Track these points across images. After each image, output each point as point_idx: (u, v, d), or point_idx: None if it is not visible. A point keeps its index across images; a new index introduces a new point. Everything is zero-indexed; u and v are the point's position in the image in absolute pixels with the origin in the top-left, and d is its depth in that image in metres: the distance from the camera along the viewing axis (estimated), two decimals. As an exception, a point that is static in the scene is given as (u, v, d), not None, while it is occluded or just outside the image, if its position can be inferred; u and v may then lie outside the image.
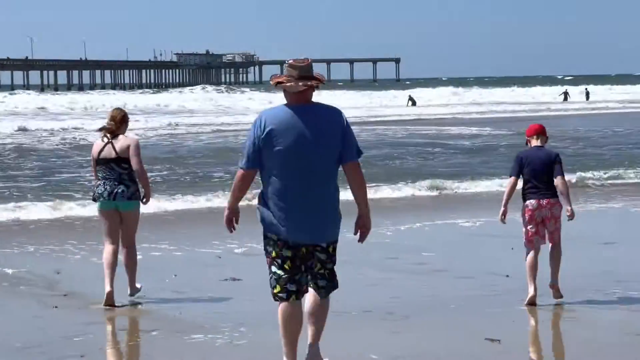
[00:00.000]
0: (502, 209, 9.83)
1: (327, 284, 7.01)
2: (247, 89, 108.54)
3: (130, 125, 11.02)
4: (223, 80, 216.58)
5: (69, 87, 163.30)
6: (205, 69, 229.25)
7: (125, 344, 8.75)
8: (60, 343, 8.58)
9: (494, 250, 13.38)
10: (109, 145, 10.30)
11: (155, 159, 29.11)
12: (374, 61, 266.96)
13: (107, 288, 10.10)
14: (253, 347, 8.33)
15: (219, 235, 14.91)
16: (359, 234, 7.00)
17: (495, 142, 36.25)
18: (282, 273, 6.95)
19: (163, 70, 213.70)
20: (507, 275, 11.22)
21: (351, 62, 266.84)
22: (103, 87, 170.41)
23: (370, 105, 78.48)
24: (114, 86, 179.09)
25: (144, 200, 10.44)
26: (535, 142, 9.94)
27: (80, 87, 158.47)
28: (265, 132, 6.73)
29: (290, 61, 6.84)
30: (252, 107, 71.79)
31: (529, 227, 9.82)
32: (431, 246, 13.77)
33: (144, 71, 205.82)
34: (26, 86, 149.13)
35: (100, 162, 10.30)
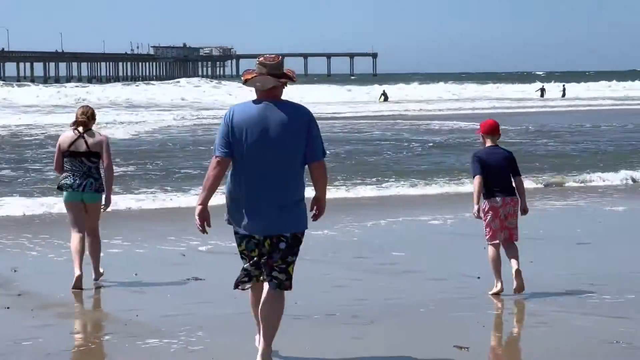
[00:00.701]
0: (476, 206, 9.96)
1: (284, 277, 7.08)
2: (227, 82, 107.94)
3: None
4: (200, 73, 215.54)
5: (45, 79, 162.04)
6: (182, 62, 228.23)
7: (77, 349, 8.32)
8: (7, 348, 8.15)
9: (464, 250, 13.04)
10: (81, 139, 10.64)
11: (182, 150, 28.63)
12: (351, 56, 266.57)
13: (77, 272, 10.49)
14: (209, 353, 7.92)
15: (184, 231, 14.61)
16: (315, 209, 7.15)
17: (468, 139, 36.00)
18: (249, 266, 7.16)
19: (140, 63, 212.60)
20: (479, 277, 10.86)
21: (328, 56, 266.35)
22: (79, 79, 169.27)
23: (342, 101, 77.92)
24: (90, 79, 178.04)
25: (105, 199, 10.80)
26: (489, 142, 10.09)
27: (57, 80, 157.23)
28: (232, 126, 6.90)
29: (260, 59, 6.98)
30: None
31: (492, 225, 10.01)
32: (400, 245, 13.40)
33: (120, 64, 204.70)
34: (2, 78, 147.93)
35: (70, 154, 10.64)
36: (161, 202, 18.46)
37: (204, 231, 7.13)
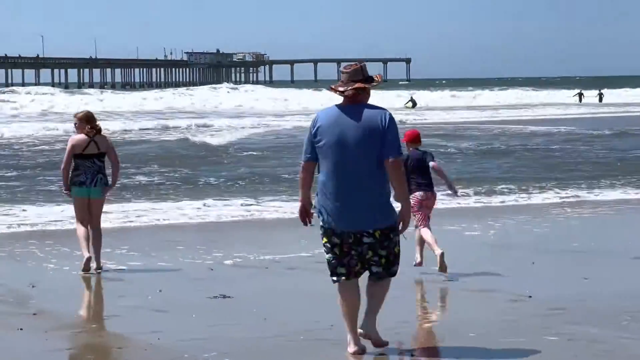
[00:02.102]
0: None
1: (381, 271, 7.56)
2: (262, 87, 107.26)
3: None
4: (233, 79, 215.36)
5: (79, 85, 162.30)
6: (215, 68, 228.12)
7: (91, 378, 7.58)
8: (15, 377, 7.42)
9: (509, 264, 12.19)
10: (92, 142, 11.81)
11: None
12: (385, 61, 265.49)
13: (86, 254, 11.66)
14: (236, 384, 7.14)
15: (209, 244, 13.93)
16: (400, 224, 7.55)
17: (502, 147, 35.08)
18: (331, 257, 7.59)
19: (173, 69, 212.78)
20: (530, 296, 10.01)
21: (361, 62, 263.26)
22: (113, 85, 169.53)
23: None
24: (124, 85, 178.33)
25: (111, 185, 12.14)
26: (413, 147, 11.78)
27: (91, 86, 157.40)
28: (315, 129, 7.50)
29: (342, 68, 7.63)
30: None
31: (419, 213, 11.57)
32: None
33: (154, 70, 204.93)
34: (37, 84, 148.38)
35: (84, 156, 11.78)
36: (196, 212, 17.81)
37: (306, 224, 7.71)
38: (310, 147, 7.56)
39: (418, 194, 11.59)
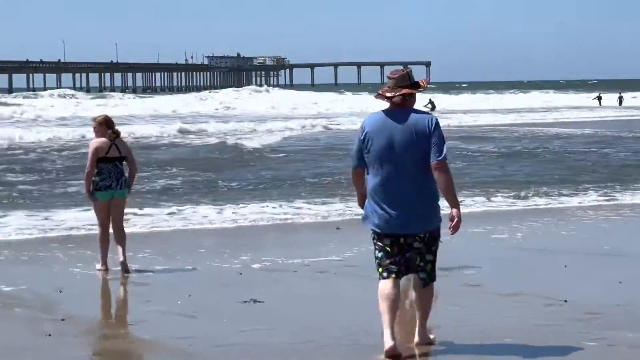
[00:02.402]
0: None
1: (427, 277, 7.79)
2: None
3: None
4: (254, 83, 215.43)
5: (100, 89, 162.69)
6: (236, 72, 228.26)
7: (122, 386, 7.45)
8: (45, 384, 7.30)
9: (543, 269, 12.00)
10: (114, 146, 12.12)
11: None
12: (405, 64, 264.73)
13: (102, 267, 12.14)
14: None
15: (236, 248, 13.81)
16: (450, 226, 7.64)
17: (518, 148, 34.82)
18: (382, 255, 7.73)
19: (194, 73, 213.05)
20: (565, 300, 9.82)
21: (382, 65, 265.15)
22: (134, 90, 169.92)
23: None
24: (145, 89, 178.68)
25: (129, 189, 12.41)
26: None
27: (112, 90, 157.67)
28: (363, 135, 7.67)
29: (388, 73, 7.79)
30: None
31: None
32: (469, 262, 12.38)
33: (175, 74, 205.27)
34: (59, 88, 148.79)
35: (106, 160, 12.05)
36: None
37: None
38: (359, 153, 7.74)
39: None
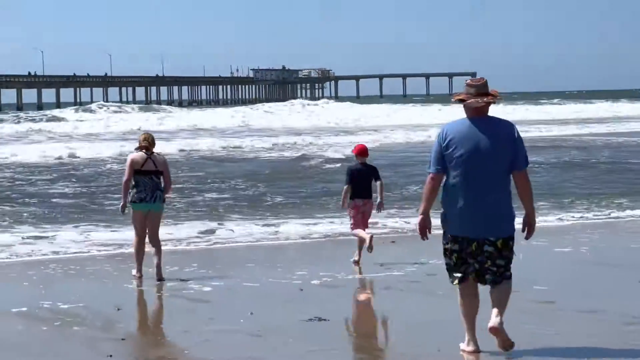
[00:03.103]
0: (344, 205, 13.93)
1: (495, 278, 7.82)
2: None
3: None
4: (299, 95, 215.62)
5: (147, 103, 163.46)
6: (281, 85, 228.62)
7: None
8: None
9: (617, 284, 11.53)
10: (149, 160, 12.65)
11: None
12: (450, 75, 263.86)
13: (138, 274, 12.54)
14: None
15: (289, 263, 13.50)
16: (526, 230, 7.90)
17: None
18: (450, 262, 7.93)
19: (239, 86, 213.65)
20: (646, 318, 9.36)
21: (427, 76, 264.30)
22: (180, 103, 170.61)
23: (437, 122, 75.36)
24: (191, 102, 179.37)
25: (164, 199, 12.88)
26: (360, 159, 13.71)
27: (158, 103, 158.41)
28: (446, 142, 7.73)
29: (468, 81, 7.88)
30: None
31: (356, 217, 13.51)
32: (539, 277, 11.90)
33: (220, 87, 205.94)
34: (105, 102, 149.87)
35: (142, 172, 12.60)
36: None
37: (424, 237, 7.90)
38: (439, 158, 7.81)
39: (359, 201, 13.51)
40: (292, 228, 17.63)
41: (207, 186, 26.23)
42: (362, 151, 13.74)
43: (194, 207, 21.17)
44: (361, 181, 13.50)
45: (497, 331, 7.80)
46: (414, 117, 79.31)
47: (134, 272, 12.65)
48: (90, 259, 14.67)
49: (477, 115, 7.80)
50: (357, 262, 13.41)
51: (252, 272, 12.99)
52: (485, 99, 7.78)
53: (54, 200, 23.30)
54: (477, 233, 7.78)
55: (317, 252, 15.38)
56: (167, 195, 12.97)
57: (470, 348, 7.93)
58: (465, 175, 7.71)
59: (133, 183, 12.64)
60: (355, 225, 13.54)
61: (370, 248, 13.19)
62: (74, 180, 28.75)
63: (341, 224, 18.07)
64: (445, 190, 7.86)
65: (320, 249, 15.71)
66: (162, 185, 12.76)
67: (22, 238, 16.42)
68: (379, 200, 13.59)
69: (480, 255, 7.81)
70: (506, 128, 7.82)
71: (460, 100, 7.86)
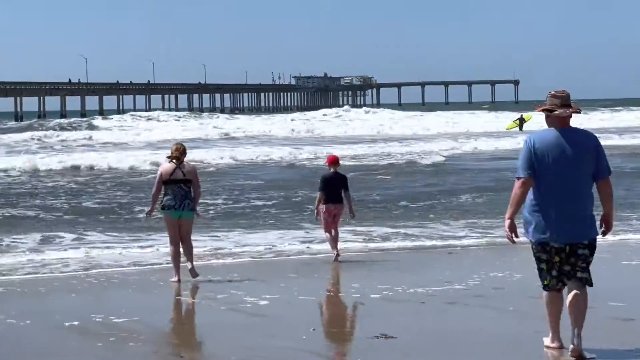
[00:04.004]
0: (316, 210, 15.52)
1: (587, 276, 8.13)
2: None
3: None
4: (341, 103, 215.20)
5: (189, 110, 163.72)
6: (323, 92, 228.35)
7: None
8: None
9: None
10: (178, 169, 13.16)
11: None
12: (493, 83, 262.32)
13: (176, 278, 12.92)
14: None
15: (339, 275, 13.03)
16: (603, 226, 8.21)
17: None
18: (545, 268, 8.15)
19: (281, 94, 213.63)
20: None
21: (469, 84, 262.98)
22: (222, 110, 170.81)
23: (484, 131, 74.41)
24: (233, 110, 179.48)
25: (194, 210, 13.33)
26: (332, 169, 15.23)
27: (201, 111, 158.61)
28: (534, 151, 8.08)
29: (552, 92, 8.24)
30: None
31: (327, 219, 15.03)
32: (613, 292, 11.33)
33: (262, 94, 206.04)
34: (148, 109, 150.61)
35: (171, 181, 13.18)
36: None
37: (512, 241, 8.14)
38: (530, 164, 8.07)
39: (331, 205, 15.03)
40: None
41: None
42: (333, 161, 15.35)
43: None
44: (333, 188, 15.08)
45: (578, 354, 7.97)
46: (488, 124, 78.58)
47: (172, 279, 12.90)
48: (137, 271, 14.39)
49: (562, 126, 8.16)
50: (337, 257, 14.79)
51: (305, 284, 12.55)
52: (570, 110, 8.15)
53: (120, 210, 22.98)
54: (572, 238, 8.08)
55: (369, 264, 14.89)
56: (197, 206, 13.32)
57: (556, 344, 8.32)
58: (553, 183, 8.05)
59: (164, 192, 13.20)
60: (326, 227, 15.05)
61: (336, 258, 14.78)
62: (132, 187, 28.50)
63: (395, 235, 17.61)
64: (535, 198, 8.13)
65: (371, 261, 15.24)
66: (192, 194, 13.19)
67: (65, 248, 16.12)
68: (350, 209, 15.22)
69: (573, 257, 8.11)
70: (589, 138, 8.21)
71: (546, 111, 8.17)
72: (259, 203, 24.25)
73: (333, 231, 14.99)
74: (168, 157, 13.33)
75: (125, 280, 13.39)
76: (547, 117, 8.23)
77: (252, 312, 10.81)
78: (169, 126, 76.00)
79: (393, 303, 11.25)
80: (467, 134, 66.88)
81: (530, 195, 8.14)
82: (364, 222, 19.39)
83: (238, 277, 13.34)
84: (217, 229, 19.13)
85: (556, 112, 8.15)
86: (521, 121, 73.83)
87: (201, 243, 16.18)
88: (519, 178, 8.13)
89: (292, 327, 9.90)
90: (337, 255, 14.84)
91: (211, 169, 37.24)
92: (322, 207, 15.04)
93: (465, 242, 16.99)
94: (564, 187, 8.06)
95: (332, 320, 10.34)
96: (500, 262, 14.27)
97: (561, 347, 8.29)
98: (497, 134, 64.12)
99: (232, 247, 16.63)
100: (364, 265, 14.70)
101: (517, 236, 8.16)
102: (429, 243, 16.95)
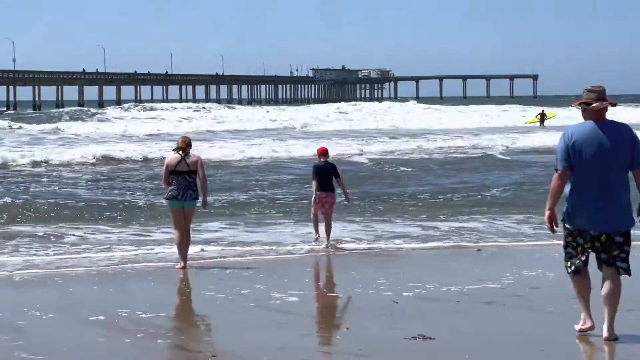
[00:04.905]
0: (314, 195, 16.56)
1: (626, 265, 8.44)
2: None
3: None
4: (358, 96, 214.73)
5: (206, 101, 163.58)
6: (340, 85, 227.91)
7: None
8: None
9: None
10: (183, 161, 13.73)
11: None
12: (511, 77, 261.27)
13: (181, 264, 13.50)
14: None
15: (368, 272, 12.85)
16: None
17: None
18: (574, 253, 8.51)
19: (299, 86, 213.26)
20: None
21: (487, 78, 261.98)
22: (240, 102, 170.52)
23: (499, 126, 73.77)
24: (250, 101, 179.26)
25: (203, 202, 13.86)
26: (322, 159, 16.30)
27: (218, 102, 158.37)
28: (572, 143, 8.37)
29: (588, 87, 8.54)
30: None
31: (317, 205, 16.06)
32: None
33: (280, 86, 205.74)
34: (165, 100, 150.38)
35: (176, 172, 13.74)
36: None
37: (552, 230, 8.48)
38: (567, 156, 8.36)
39: (322, 193, 16.06)
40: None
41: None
42: (323, 152, 16.41)
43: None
44: (324, 176, 16.14)
45: (612, 340, 8.36)
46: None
47: (177, 265, 13.51)
48: (161, 267, 14.12)
49: (598, 119, 8.46)
50: (317, 239, 15.91)
51: (331, 281, 12.24)
52: (605, 103, 8.43)
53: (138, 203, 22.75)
54: (611, 226, 8.38)
55: (398, 260, 14.56)
56: (207, 196, 13.88)
57: (588, 325, 8.59)
58: (590, 173, 8.33)
59: (170, 182, 13.78)
60: (315, 211, 16.14)
61: (327, 245, 15.68)
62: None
63: (421, 230, 17.30)
64: (573, 188, 8.40)
65: (399, 256, 14.91)
66: (196, 184, 13.78)
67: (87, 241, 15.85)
68: (344, 194, 16.42)
69: (609, 247, 8.40)
70: (625, 130, 8.51)
71: (583, 104, 8.45)
72: (290, 198, 23.90)
73: (321, 216, 16.04)
74: (175, 149, 13.84)
75: (151, 274, 13.11)
76: (583, 111, 8.52)
77: (282, 310, 10.51)
78: (199, 121, 75.17)
79: (427, 301, 10.92)
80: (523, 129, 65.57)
81: (568, 186, 8.40)
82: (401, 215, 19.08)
83: (261, 272, 13.05)
84: (234, 222, 18.86)
85: (593, 106, 8.44)
86: (542, 116, 73.32)
87: (218, 234, 15.92)
88: (556, 170, 8.43)
89: (325, 326, 9.58)
90: (327, 245, 15.66)
91: (237, 163, 36.85)
92: (317, 193, 16.09)
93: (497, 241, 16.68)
94: (601, 177, 8.34)
95: (366, 318, 9.99)
96: (528, 261, 13.97)
97: (592, 327, 8.55)
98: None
99: (253, 241, 16.38)
100: (389, 261, 14.38)
101: (557, 225, 8.46)
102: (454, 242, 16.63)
